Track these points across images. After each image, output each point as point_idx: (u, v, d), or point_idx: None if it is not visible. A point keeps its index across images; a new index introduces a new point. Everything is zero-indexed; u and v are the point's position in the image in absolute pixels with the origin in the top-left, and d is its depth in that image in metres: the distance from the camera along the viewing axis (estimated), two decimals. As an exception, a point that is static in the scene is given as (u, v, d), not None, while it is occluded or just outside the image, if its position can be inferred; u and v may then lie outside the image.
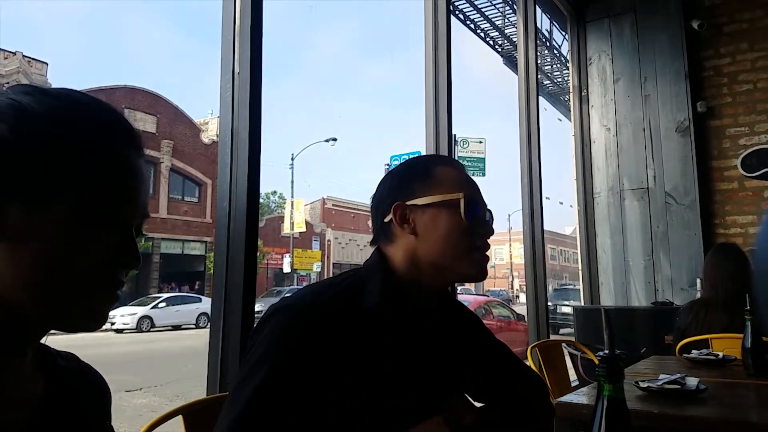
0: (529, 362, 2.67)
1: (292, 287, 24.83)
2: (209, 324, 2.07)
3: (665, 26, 4.82)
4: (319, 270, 29.16)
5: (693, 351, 2.32)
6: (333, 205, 32.55)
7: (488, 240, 1.01)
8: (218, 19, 2.15)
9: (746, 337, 1.92)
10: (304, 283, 28.10)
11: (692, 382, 1.60)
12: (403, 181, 1.01)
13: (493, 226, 1.04)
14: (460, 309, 1.14)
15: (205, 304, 17.59)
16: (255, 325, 0.92)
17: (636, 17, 5.02)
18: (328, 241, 30.90)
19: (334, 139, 26.00)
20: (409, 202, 0.97)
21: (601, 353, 0.74)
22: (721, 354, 2.20)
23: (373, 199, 1.05)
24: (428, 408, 0.90)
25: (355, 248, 32.29)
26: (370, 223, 1.08)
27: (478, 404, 1.07)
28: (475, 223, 0.97)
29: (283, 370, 0.83)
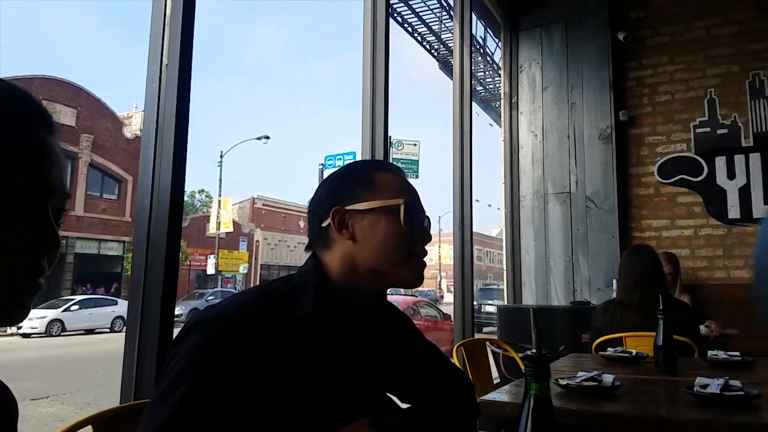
0: (455, 360, 2.71)
1: (215, 290, 24.07)
2: (125, 328, 1.96)
3: (593, 37, 5.06)
4: (245, 272, 28.47)
5: (608, 349, 2.43)
6: (263, 204, 31.87)
7: (426, 246, 1.01)
8: (147, 6, 2.03)
9: (658, 336, 2.03)
10: (229, 286, 27.40)
11: (608, 379, 1.67)
12: (343, 185, 0.99)
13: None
14: (393, 311, 1.13)
15: (122, 307, 16.72)
16: (175, 338, 0.87)
17: (566, 27, 5.24)
18: (257, 241, 30.20)
19: (267, 137, 25.48)
20: (348, 207, 0.95)
21: (528, 352, 0.75)
22: (634, 352, 2.31)
23: (311, 203, 1.02)
24: (360, 413, 0.89)
25: (285, 249, 31.79)
26: (302, 223, 1.05)
27: (404, 405, 1.07)
28: (414, 229, 0.97)
29: (208, 383, 0.79)
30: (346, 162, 1.23)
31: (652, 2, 4.98)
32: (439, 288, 42.74)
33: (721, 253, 4.52)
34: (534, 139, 5.29)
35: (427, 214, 1.03)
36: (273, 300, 0.90)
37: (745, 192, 4.46)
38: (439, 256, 42.66)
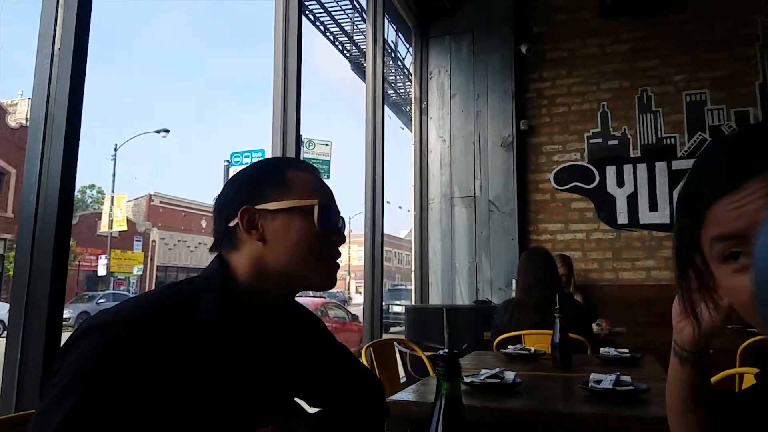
0: (363, 361, 2.71)
1: (107, 292, 22.47)
2: (5, 333, 1.78)
3: (498, 48, 5.29)
4: (140, 273, 26.86)
5: (509, 346, 2.54)
6: (161, 202, 30.16)
7: (339, 248, 0.98)
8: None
9: (555, 334, 2.14)
10: (122, 288, 25.75)
11: (510, 375, 1.73)
12: (254, 183, 0.94)
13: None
14: (304, 313, 1.09)
15: (3, 311, 15.21)
16: (63, 344, 0.79)
17: (474, 37, 5.43)
18: (153, 241, 28.53)
19: (167, 131, 24.24)
20: (258, 207, 0.91)
21: (440, 352, 0.75)
22: (533, 349, 2.44)
23: (217, 200, 0.96)
24: (266, 420, 0.86)
25: (184, 250, 30.29)
26: (204, 223, 0.99)
27: (314, 409, 1.05)
28: (328, 230, 0.94)
29: (100, 393, 0.73)
30: (255, 160, 1.16)
31: (553, 18, 5.30)
32: (348, 289, 42.87)
33: (610, 255, 4.88)
34: (442, 144, 5.45)
35: (341, 215, 1.00)
36: (173, 304, 0.84)
37: (632, 199, 4.86)
38: (349, 258, 42.76)
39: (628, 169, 4.90)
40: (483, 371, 1.76)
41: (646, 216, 4.79)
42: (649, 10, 4.93)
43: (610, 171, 4.95)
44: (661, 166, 4.80)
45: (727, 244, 0.58)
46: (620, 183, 4.91)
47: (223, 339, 0.85)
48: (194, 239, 30.11)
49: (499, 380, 1.70)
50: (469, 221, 5.23)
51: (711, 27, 4.77)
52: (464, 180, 5.30)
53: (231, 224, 0.91)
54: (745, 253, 0.57)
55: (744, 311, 0.60)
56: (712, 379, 0.92)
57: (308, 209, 0.92)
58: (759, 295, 0.29)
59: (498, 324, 2.86)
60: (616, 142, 4.98)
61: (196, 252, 29.96)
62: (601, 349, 2.42)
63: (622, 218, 4.86)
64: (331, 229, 0.95)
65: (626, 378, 1.62)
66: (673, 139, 4.82)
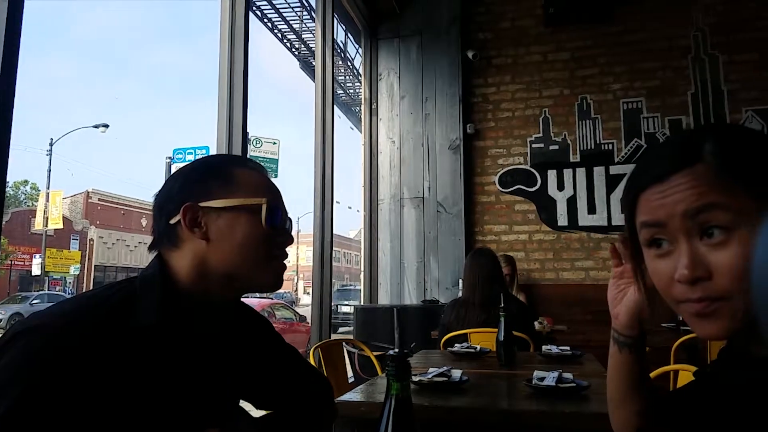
0: (311, 362, 2.70)
1: (42, 292, 21.30)
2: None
3: (446, 52, 5.37)
4: (77, 273, 25.62)
5: (455, 345, 2.59)
6: (99, 199, 28.83)
7: (287, 248, 0.96)
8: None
9: (500, 332, 2.20)
10: (58, 288, 24.52)
11: (456, 373, 1.76)
12: (198, 180, 0.91)
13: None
14: (251, 315, 1.07)
15: None
16: None
17: (422, 40, 5.49)
18: (91, 240, 27.27)
19: (106, 126, 23.21)
20: (203, 204, 0.88)
21: (391, 352, 0.75)
22: (478, 347, 2.49)
23: (158, 196, 0.92)
24: (208, 424, 0.84)
25: (124, 249, 29.08)
26: (144, 221, 0.95)
27: (261, 412, 1.04)
28: (275, 230, 0.92)
29: (30, 402, 0.69)
30: (199, 157, 1.13)
31: (498, 25, 5.43)
32: (296, 290, 42.41)
33: (551, 256, 5.05)
34: (392, 146, 5.48)
35: (288, 215, 0.99)
36: (111, 306, 0.80)
37: (572, 202, 5.04)
38: (297, 258, 42.31)
39: (568, 173, 5.08)
40: (431, 370, 1.77)
41: (584, 218, 4.98)
42: (590, 21, 5.12)
43: (551, 175, 5.12)
44: (599, 171, 5.00)
45: (650, 231, 0.64)
46: (561, 186, 5.09)
47: (162, 342, 0.82)
48: (134, 238, 28.95)
49: (446, 379, 1.72)
50: (418, 222, 5.28)
51: (647, 39, 5.01)
52: (413, 181, 5.35)
53: (172, 221, 0.88)
54: (668, 240, 0.62)
55: (663, 294, 0.65)
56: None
57: (255, 208, 0.90)
58: (759, 303, 0.31)
59: (445, 323, 2.91)
60: (557, 147, 5.15)
61: (136, 251, 28.84)
62: (544, 347, 2.49)
63: (563, 220, 5.04)
64: (278, 229, 0.93)
65: (568, 375, 1.68)
66: (610, 145, 5.03)
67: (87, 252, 26.88)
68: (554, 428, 1.43)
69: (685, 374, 1.80)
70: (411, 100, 5.46)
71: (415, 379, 1.68)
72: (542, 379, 1.65)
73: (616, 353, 0.83)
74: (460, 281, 4.63)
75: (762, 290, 0.30)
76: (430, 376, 1.73)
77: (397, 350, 0.75)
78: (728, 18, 4.83)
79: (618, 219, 4.86)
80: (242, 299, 1.02)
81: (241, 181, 0.91)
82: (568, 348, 2.44)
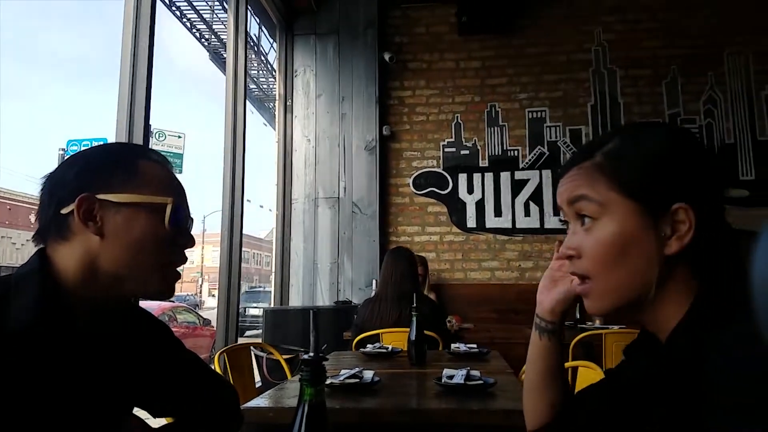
0: (216, 368, 2.59)
1: None
2: None
3: (363, 53, 5.38)
4: (-46, 271, 23.22)
5: (368, 345, 2.59)
6: (-20, 192, 26.29)
7: (186, 252, 0.90)
8: None
9: (411, 331, 2.22)
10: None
11: (368, 374, 1.76)
12: (98, 168, 0.83)
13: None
14: (146, 318, 0.99)
15: None
16: None
17: (339, 39, 5.46)
18: (-29, 236, 24.82)
19: (-9, 111, 21.18)
20: (101, 197, 0.80)
21: (305, 356, 0.72)
22: (390, 347, 2.51)
23: (49, 180, 0.83)
24: None
25: (9, 247, 26.61)
26: (32, 218, 0.86)
27: (162, 421, 0.99)
28: (176, 232, 0.86)
29: None
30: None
31: (414, 30, 5.52)
32: (200, 292, 40.78)
33: (460, 257, 5.21)
34: (307, 144, 5.40)
35: (191, 215, 0.93)
36: None
37: (480, 205, 5.23)
38: (202, 258, 40.71)
39: (477, 177, 5.27)
40: (342, 371, 1.76)
41: (491, 221, 5.19)
42: (496, 32, 5.34)
43: (462, 178, 5.28)
44: (505, 176, 5.23)
45: (561, 214, 0.75)
46: (470, 190, 5.26)
47: (39, 347, 0.74)
48: (21, 236, 26.55)
49: (358, 380, 1.71)
50: (333, 222, 5.25)
51: (551, 52, 5.30)
52: (329, 181, 5.31)
53: (64, 211, 0.80)
54: (569, 222, 0.73)
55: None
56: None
57: (159, 207, 0.83)
58: (760, 305, 0.32)
59: (358, 323, 2.90)
60: (467, 151, 5.33)
61: (22, 250, 26.45)
62: (452, 345, 2.56)
63: (471, 222, 5.22)
64: (180, 230, 0.87)
65: (476, 373, 1.72)
66: (516, 152, 5.27)
67: (-36, 250, 24.34)
68: (463, 425, 1.46)
69: (584, 371, 1.91)
70: (327, 99, 5.41)
71: (327, 382, 1.65)
72: (451, 377, 1.68)
73: (536, 339, 0.89)
74: (374, 282, 4.66)
75: (762, 291, 0.32)
76: (342, 378, 1.71)
77: (312, 353, 0.72)
78: (625, 36, 5.22)
79: (521, 222, 5.11)
80: (140, 302, 0.95)
81: (145, 175, 0.85)
82: (475, 346, 2.51)
